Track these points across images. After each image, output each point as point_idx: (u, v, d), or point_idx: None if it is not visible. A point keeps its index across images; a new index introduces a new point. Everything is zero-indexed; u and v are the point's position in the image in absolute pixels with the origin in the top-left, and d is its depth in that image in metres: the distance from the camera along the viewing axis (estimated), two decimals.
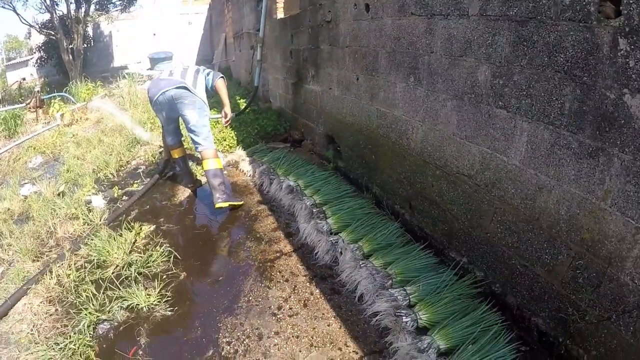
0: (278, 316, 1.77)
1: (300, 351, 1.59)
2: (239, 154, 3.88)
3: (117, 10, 11.41)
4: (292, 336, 1.66)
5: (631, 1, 1.13)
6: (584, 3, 1.26)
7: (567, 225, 1.42)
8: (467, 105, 1.79)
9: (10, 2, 9.84)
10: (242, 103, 5.76)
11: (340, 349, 1.59)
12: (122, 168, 3.89)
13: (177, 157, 3.19)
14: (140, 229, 2.52)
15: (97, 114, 7.63)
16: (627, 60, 1.16)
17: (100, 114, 7.63)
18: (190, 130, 2.89)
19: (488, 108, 1.69)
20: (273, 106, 5.69)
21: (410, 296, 1.71)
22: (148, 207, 3.02)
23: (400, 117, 2.30)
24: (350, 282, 1.85)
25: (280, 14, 4.69)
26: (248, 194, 3.11)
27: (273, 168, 3.14)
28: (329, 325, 1.70)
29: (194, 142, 2.91)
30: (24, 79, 14.66)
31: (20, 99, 9.82)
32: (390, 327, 1.60)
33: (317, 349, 1.59)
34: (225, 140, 4.33)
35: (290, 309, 1.81)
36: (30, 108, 7.53)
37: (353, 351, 1.57)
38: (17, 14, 10.19)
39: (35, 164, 4.71)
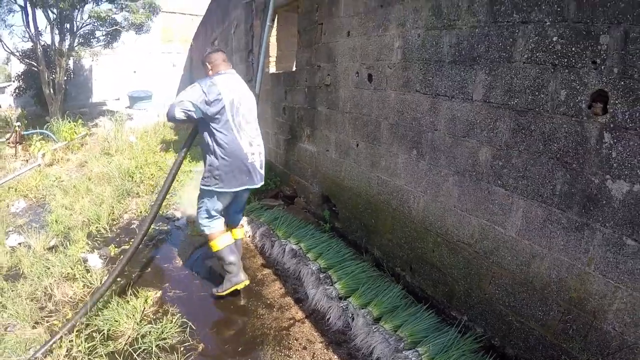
0: None
1: None
2: None
3: (100, 45, 11.38)
4: None
5: (616, 102, 1.36)
6: (577, 100, 1.48)
7: (557, 287, 1.62)
8: (468, 181, 1.96)
9: None
10: None
11: None
12: (115, 222, 3.75)
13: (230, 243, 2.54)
14: (147, 295, 2.43)
15: (80, 156, 7.47)
16: (611, 151, 1.39)
17: (83, 155, 7.47)
18: (241, 210, 2.73)
19: (488, 185, 1.86)
20: None
21: (422, 356, 1.78)
22: (150, 270, 2.92)
23: (402, 187, 2.44)
24: (365, 347, 1.90)
25: (272, 68, 4.92)
26: (250, 256, 3.09)
27: (272, 229, 3.16)
28: None
29: (238, 219, 2.72)
30: None
31: None
32: None
33: None
34: None
35: None
36: (9, 143, 7.30)
37: None
38: (1, 41, 9.97)
39: (18, 209, 4.47)
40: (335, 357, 1.92)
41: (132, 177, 4.98)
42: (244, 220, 3.54)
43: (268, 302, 2.44)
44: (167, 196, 4.28)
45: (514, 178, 1.74)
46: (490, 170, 1.84)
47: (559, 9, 1.52)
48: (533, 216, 1.68)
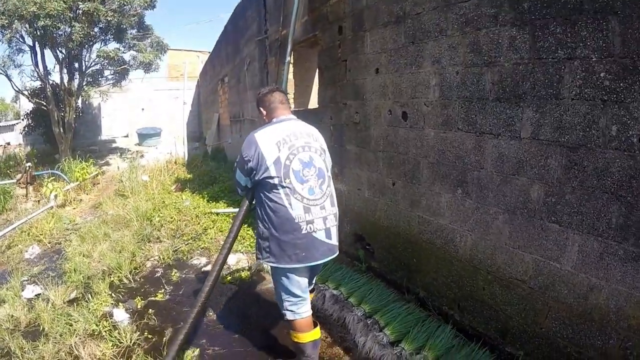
0: None
1: None
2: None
3: (108, 84, 11.78)
4: None
5: None
6: (628, 135, 1.55)
7: (615, 316, 1.65)
8: (519, 219, 2.00)
9: (5, 68, 10.04)
10: None
11: None
12: (137, 270, 3.72)
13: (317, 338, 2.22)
14: (185, 356, 2.37)
15: (92, 196, 7.58)
16: None
17: (95, 196, 7.58)
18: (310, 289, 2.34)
19: (541, 222, 1.90)
20: None
21: None
22: (181, 323, 2.71)
23: (447, 226, 2.47)
24: None
25: (292, 105, 5.05)
26: None
27: None
28: None
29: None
30: (8, 143, 14.68)
31: (5, 168, 9.64)
32: None
33: None
34: (244, 239, 4.27)
35: None
36: (20, 184, 7.46)
37: None
38: (10, 81, 10.36)
39: (32, 255, 4.50)
40: None
41: (151, 220, 4.97)
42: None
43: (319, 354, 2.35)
44: (190, 241, 4.36)
45: (568, 214, 1.79)
46: (543, 207, 1.89)
47: (604, 45, 1.61)
48: (589, 250, 1.71)
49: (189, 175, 8.27)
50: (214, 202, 5.70)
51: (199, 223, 4.86)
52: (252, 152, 2.05)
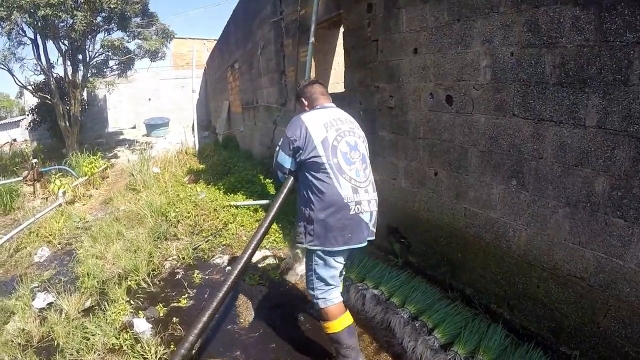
0: None
1: None
2: (288, 252, 3.80)
3: (114, 75, 11.82)
4: None
5: None
6: None
7: None
8: (581, 213, 1.94)
9: (6, 62, 10.07)
10: (269, 183, 6.05)
11: None
12: (156, 272, 3.64)
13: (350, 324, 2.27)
14: None
15: (102, 191, 7.62)
16: None
17: (105, 190, 7.61)
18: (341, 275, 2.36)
19: (605, 217, 1.85)
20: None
21: None
22: (213, 334, 2.71)
23: (498, 219, 2.41)
24: None
25: None
26: None
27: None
28: None
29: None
30: (15, 140, 14.89)
31: (12, 165, 9.75)
32: None
33: None
34: (270, 235, 4.21)
35: None
36: (27, 181, 7.52)
37: None
38: (13, 75, 10.41)
39: (42, 258, 4.49)
40: None
41: (166, 216, 4.82)
42: (302, 260, 3.52)
43: None
44: (210, 237, 4.32)
45: (635, 209, 1.73)
46: (608, 201, 1.83)
47: None
48: None
49: (201, 166, 8.24)
50: (232, 194, 5.66)
51: (217, 217, 4.77)
52: (299, 132, 2.17)
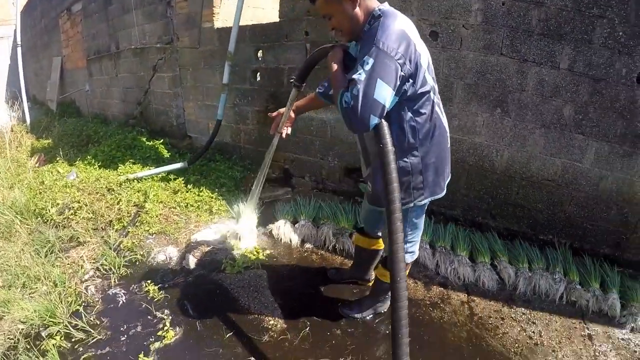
0: None
1: None
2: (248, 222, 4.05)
3: None
4: None
5: None
6: (632, 75, 3.15)
7: (616, 194, 3.41)
8: (553, 132, 3.50)
9: None
10: (159, 144, 6.37)
11: None
12: (83, 305, 3.13)
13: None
14: None
15: None
16: None
17: None
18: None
19: (570, 134, 3.46)
20: (195, 143, 6.18)
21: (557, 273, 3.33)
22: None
23: (482, 143, 3.73)
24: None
25: (217, 22, 5.13)
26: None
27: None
28: None
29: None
30: None
31: None
32: None
33: None
34: (206, 204, 4.50)
35: None
36: None
37: None
38: None
39: None
40: None
41: (43, 215, 4.26)
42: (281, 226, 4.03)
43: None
44: (128, 228, 4.13)
45: (589, 127, 3.37)
46: (572, 122, 3.42)
47: (624, 14, 3.08)
48: (602, 151, 3.38)
49: (45, 142, 8.10)
50: (117, 166, 5.54)
51: (119, 200, 4.41)
52: (405, 49, 1.94)
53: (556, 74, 3.39)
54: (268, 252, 3.83)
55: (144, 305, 3.14)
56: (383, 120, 1.98)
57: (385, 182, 2.01)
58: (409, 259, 2.61)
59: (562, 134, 3.48)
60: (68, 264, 3.58)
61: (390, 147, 2.00)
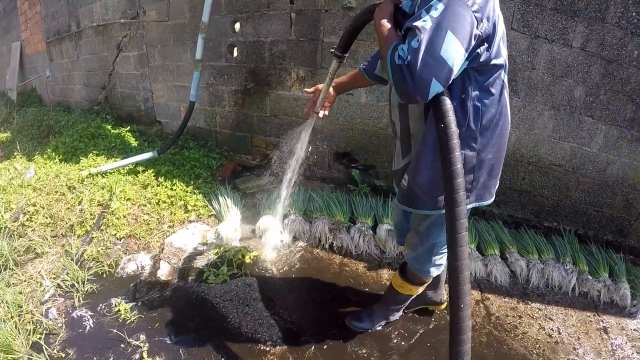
0: None
1: None
2: (231, 219, 4.13)
3: None
4: None
5: None
6: None
7: (621, 179, 3.92)
8: (562, 114, 3.84)
9: None
10: (126, 132, 6.37)
11: None
12: (44, 333, 3.06)
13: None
14: None
15: None
16: None
17: None
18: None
19: (579, 117, 3.82)
20: (166, 129, 6.23)
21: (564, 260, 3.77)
22: None
23: None
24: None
25: None
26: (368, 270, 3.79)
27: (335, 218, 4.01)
28: None
29: None
30: None
31: None
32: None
33: None
34: (180, 199, 4.52)
35: None
36: None
37: None
38: None
39: None
40: None
41: None
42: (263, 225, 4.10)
43: None
44: (93, 233, 4.04)
45: (599, 109, 3.73)
46: (582, 105, 3.76)
47: None
48: (610, 136, 3.77)
49: (3, 135, 8.25)
50: (80, 159, 5.42)
51: (80, 200, 4.26)
52: (485, 1, 1.76)
53: (568, 52, 3.69)
54: (255, 253, 3.88)
55: (114, 331, 3.06)
56: (445, 92, 1.78)
57: (447, 176, 1.81)
58: (435, 272, 2.67)
59: (572, 116, 3.83)
60: (25, 280, 3.50)
61: (454, 127, 1.79)
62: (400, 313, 3.17)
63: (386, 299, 3.09)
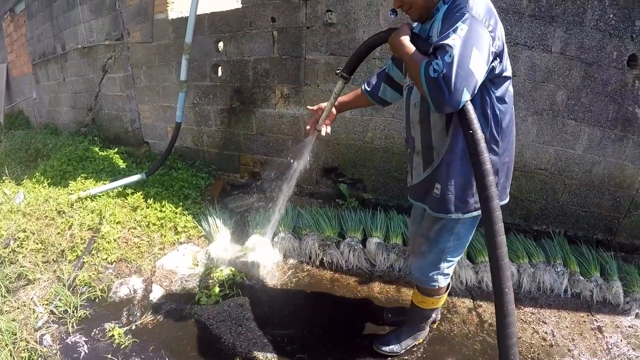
0: None
1: None
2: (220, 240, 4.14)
3: None
4: None
5: None
6: (622, 59, 3.63)
7: (608, 178, 3.98)
8: (545, 119, 3.91)
9: None
10: (114, 154, 6.42)
11: None
12: None
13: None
14: None
15: None
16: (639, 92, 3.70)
17: None
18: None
19: (562, 120, 3.89)
20: (154, 149, 6.21)
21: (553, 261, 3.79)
22: None
23: None
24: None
25: (171, 13, 5.15)
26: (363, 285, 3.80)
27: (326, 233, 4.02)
28: None
29: None
30: None
31: None
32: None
33: None
34: (170, 220, 4.51)
35: None
36: None
37: None
38: None
39: None
40: None
41: None
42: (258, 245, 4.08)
43: None
44: (84, 257, 4.05)
45: (582, 112, 3.80)
46: (565, 108, 3.83)
47: None
48: (594, 137, 3.84)
49: None
50: (68, 182, 5.44)
51: (70, 225, 4.26)
52: (495, 23, 2.01)
53: (548, 57, 3.77)
54: (246, 273, 3.93)
55: (109, 356, 3.08)
56: (469, 102, 1.97)
57: (480, 175, 1.98)
58: (442, 280, 2.73)
59: (555, 120, 3.90)
60: (18, 307, 3.51)
61: (480, 133, 1.97)
62: (427, 332, 3.19)
63: (412, 318, 3.12)
